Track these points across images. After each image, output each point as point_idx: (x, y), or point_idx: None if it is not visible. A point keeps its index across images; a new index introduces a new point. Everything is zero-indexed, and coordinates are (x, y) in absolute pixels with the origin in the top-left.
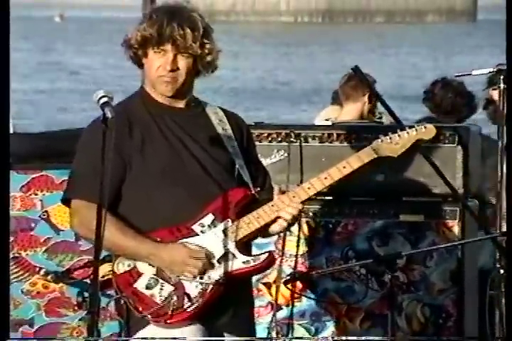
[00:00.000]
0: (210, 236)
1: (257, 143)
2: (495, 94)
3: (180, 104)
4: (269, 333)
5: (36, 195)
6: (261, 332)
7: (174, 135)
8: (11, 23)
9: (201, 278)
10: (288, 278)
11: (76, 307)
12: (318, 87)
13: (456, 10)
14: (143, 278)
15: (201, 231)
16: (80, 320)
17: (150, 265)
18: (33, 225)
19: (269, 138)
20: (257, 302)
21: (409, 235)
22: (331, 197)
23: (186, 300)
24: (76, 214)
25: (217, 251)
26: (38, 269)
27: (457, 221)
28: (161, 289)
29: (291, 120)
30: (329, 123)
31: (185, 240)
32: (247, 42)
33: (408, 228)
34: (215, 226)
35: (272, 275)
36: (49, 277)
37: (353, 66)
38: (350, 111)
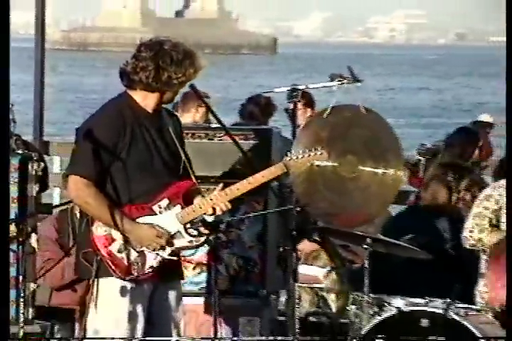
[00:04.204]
0: (165, 217)
1: None
2: (292, 106)
3: (154, 111)
4: None
5: None
6: None
7: (150, 137)
8: None
9: (162, 251)
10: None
11: None
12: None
13: (261, 45)
14: (116, 243)
15: (159, 212)
16: None
17: (121, 233)
18: None
19: None
20: None
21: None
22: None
23: (147, 266)
24: (74, 188)
25: (171, 230)
26: None
27: (263, 198)
28: (128, 254)
29: None
30: None
31: (147, 218)
32: None
33: (229, 201)
34: (169, 209)
35: None
36: None
37: (190, 84)
38: (185, 118)
